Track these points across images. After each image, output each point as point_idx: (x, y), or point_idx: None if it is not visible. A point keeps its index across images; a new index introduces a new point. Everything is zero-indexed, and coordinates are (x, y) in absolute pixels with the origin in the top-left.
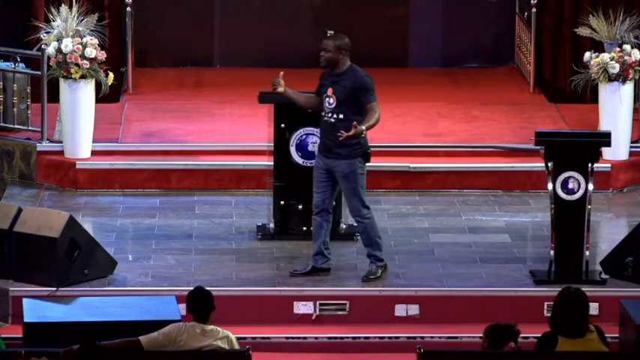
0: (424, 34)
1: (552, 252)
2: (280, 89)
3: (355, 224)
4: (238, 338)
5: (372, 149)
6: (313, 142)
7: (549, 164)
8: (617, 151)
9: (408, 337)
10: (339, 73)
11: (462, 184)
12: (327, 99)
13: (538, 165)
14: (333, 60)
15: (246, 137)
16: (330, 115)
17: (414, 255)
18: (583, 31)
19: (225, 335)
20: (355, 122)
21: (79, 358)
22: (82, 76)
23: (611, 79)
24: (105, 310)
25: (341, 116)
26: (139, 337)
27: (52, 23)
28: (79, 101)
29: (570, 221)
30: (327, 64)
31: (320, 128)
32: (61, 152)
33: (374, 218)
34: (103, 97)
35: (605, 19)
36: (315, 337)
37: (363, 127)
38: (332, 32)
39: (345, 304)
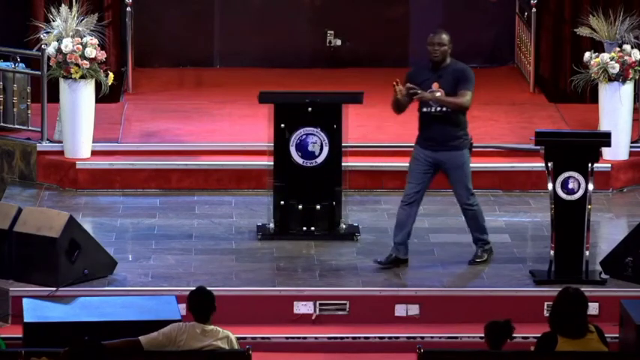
0: (424, 34)
1: (552, 252)
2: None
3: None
4: (238, 338)
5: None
6: (313, 142)
7: (549, 164)
8: (617, 151)
9: (408, 337)
10: (443, 66)
11: None
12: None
13: (538, 165)
14: (447, 53)
15: (246, 137)
16: (438, 109)
17: (414, 255)
18: (583, 31)
19: (226, 335)
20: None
21: (70, 358)
22: (82, 76)
23: (611, 79)
24: (105, 310)
25: (447, 108)
26: (139, 337)
27: (52, 23)
28: (79, 101)
29: (570, 221)
30: (443, 57)
31: (421, 123)
32: (61, 152)
33: (480, 205)
34: (103, 97)
35: (605, 19)
36: (315, 337)
37: (437, 94)
38: (332, 32)
39: (345, 304)
